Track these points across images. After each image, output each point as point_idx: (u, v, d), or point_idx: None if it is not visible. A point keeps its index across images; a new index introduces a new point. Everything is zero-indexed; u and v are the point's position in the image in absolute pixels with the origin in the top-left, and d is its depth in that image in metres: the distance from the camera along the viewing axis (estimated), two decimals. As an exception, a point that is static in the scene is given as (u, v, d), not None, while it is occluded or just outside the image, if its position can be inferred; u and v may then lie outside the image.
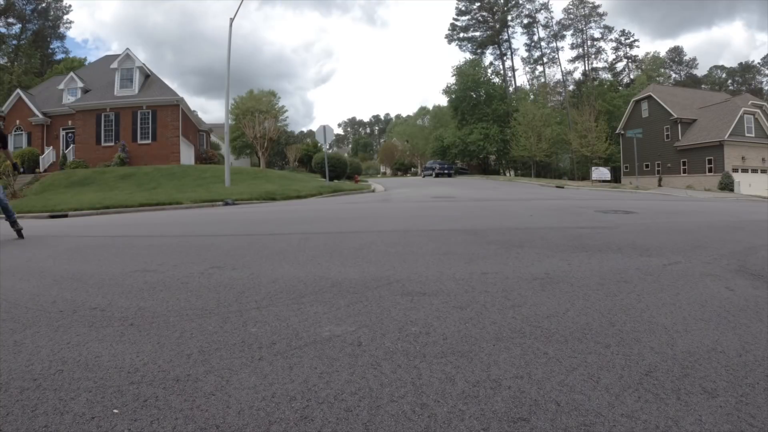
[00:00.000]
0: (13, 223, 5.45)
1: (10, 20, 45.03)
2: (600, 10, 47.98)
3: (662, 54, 57.06)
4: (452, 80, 46.94)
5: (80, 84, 26.57)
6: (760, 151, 29.08)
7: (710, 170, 29.49)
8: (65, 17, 50.45)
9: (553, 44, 49.60)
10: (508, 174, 45.54)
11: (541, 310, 1.99)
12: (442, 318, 1.92)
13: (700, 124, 31.97)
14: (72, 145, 25.59)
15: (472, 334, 1.72)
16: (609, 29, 49.54)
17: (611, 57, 52.11)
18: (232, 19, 17.11)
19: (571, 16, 48.25)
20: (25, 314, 2.12)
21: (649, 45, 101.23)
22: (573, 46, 49.77)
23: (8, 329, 1.90)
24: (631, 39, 52.72)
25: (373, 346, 1.64)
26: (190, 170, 20.79)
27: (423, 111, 68.82)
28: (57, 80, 29.50)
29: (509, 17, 49.17)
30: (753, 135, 29.56)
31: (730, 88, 62.08)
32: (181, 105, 25.65)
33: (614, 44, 51.63)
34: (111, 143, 25.14)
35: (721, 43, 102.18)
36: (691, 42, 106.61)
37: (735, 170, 28.53)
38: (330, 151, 27.71)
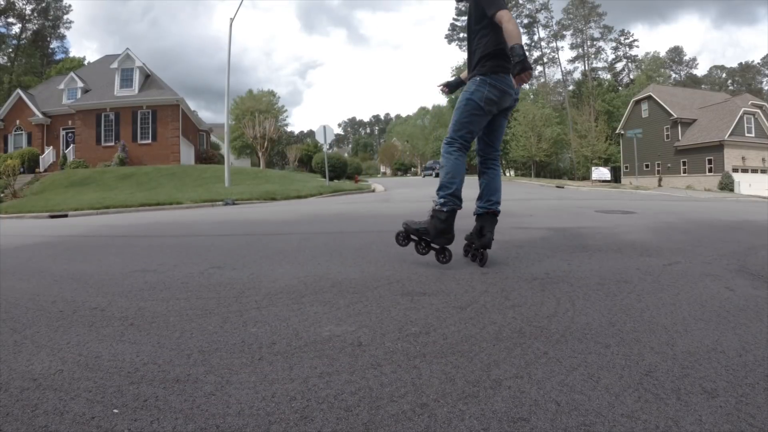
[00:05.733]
0: None
1: (10, 20, 45.00)
2: (599, 10, 47.93)
3: (662, 54, 57.02)
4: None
5: (80, 84, 26.56)
6: (760, 152, 29.06)
7: (710, 170, 29.49)
8: (65, 17, 50.44)
9: (553, 44, 49.59)
10: (508, 174, 45.54)
11: (541, 310, 1.99)
12: (442, 318, 1.92)
13: (700, 124, 31.96)
14: (72, 145, 25.59)
15: (472, 334, 1.72)
16: (609, 29, 49.52)
17: (611, 57, 52.09)
18: (232, 19, 17.13)
19: (570, 16, 48.21)
20: (25, 314, 2.12)
21: (646, 39, 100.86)
22: (573, 46, 49.75)
23: (8, 329, 1.90)
24: (631, 39, 52.72)
25: (373, 346, 1.64)
26: (190, 170, 20.80)
27: (423, 111, 68.81)
28: (57, 80, 29.49)
29: (509, 17, 49.06)
30: (753, 135, 29.55)
31: (730, 88, 62.06)
32: (181, 105, 25.66)
33: (614, 44, 51.61)
34: (111, 143, 25.14)
35: (722, 42, 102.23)
36: (690, 41, 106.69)
37: (735, 170, 28.54)
38: (330, 151, 27.67)
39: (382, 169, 69.46)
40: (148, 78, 26.77)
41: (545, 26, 48.90)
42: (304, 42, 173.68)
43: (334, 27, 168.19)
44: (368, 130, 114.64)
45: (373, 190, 17.42)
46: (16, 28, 45.22)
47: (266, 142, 37.32)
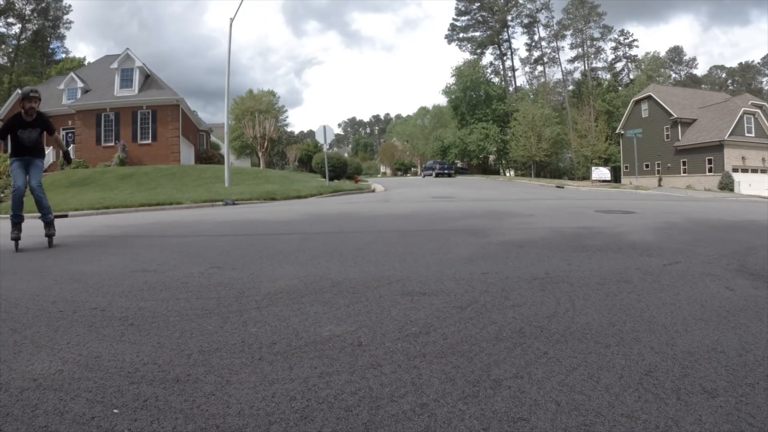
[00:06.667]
0: (48, 225, 4.57)
1: (10, 20, 45.00)
2: (599, 10, 47.90)
3: (662, 54, 57.02)
4: (452, 80, 46.99)
5: (80, 84, 26.56)
6: (760, 151, 29.05)
7: (710, 170, 29.47)
8: (65, 17, 50.45)
9: (554, 44, 49.58)
10: (508, 174, 45.54)
11: (541, 310, 1.99)
12: (442, 318, 1.92)
13: (700, 124, 31.95)
14: (72, 145, 25.57)
15: (472, 334, 1.72)
16: (608, 29, 49.48)
17: (611, 57, 52.07)
18: (232, 19, 17.12)
19: (570, 16, 48.19)
20: (25, 314, 2.12)
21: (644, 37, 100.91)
22: (572, 46, 49.70)
23: (8, 329, 1.90)
24: (630, 39, 52.69)
25: (373, 346, 1.64)
26: (190, 170, 20.79)
27: (423, 111, 68.76)
28: (57, 80, 29.48)
29: (509, 17, 49.13)
30: (753, 135, 29.54)
31: (730, 88, 62.08)
32: (181, 105, 25.65)
33: (613, 44, 51.60)
34: (111, 143, 25.13)
35: (722, 42, 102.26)
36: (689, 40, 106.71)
37: (735, 170, 28.52)
38: (330, 151, 27.69)
39: (382, 169, 69.48)
40: (148, 78, 26.77)
41: (546, 26, 48.90)
42: (299, 41, 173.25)
43: (330, 27, 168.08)
44: (368, 130, 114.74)
45: (373, 190, 17.42)
46: (16, 28, 45.28)
47: (266, 142, 37.30)
